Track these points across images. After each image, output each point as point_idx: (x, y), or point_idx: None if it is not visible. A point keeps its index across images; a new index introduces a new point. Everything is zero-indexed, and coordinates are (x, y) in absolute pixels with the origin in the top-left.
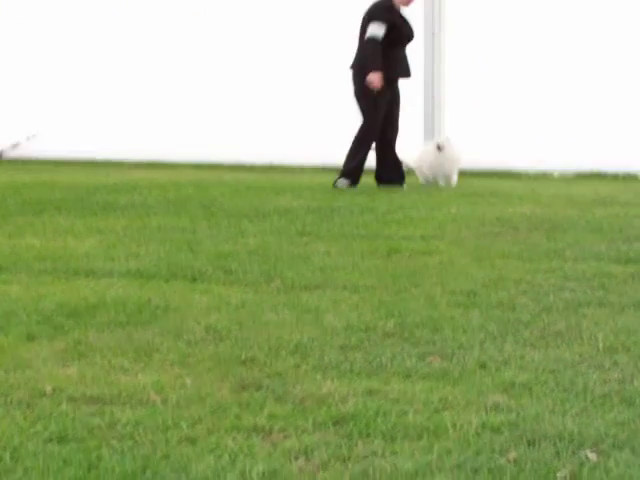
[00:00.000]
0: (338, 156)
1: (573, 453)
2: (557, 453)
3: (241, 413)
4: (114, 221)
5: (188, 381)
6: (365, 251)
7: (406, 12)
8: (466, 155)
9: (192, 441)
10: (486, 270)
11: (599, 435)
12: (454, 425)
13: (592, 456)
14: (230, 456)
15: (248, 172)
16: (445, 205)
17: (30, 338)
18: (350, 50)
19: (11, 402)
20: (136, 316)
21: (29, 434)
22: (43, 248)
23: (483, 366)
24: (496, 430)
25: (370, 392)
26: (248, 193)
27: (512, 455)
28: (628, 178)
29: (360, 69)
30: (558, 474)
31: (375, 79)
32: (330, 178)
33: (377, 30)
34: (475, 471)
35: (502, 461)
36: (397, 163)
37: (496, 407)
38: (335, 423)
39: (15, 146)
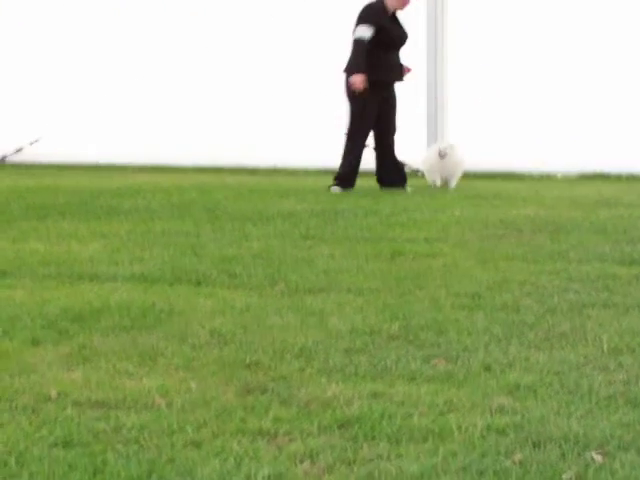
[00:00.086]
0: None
1: (578, 455)
2: (562, 455)
3: (246, 417)
4: (118, 225)
5: (193, 385)
6: (369, 254)
7: (409, 14)
8: (469, 157)
9: (197, 445)
10: (490, 272)
11: (604, 437)
12: (459, 427)
13: (598, 458)
14: (235, 460)
15: (251, 175)
16: (449, 207)
17: (35, 343)
18: None
19: (16, 407)
20: (140, 320)
21: (34, 439)
22: (47, 253)
23: (488, 368)
24: (501, 432)
25: (375, 395)
26: (252, 196)
27: (517, 457)
28: (631, 179)
29: (349, 72)
30: (564, 476)
31: (357, 81)
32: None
33: (363, 32)
34: (480, 473)
35: (507, 463)
36: (397, 165)
37: (501, 409)
38: (340, 426)
39: (18, 151)
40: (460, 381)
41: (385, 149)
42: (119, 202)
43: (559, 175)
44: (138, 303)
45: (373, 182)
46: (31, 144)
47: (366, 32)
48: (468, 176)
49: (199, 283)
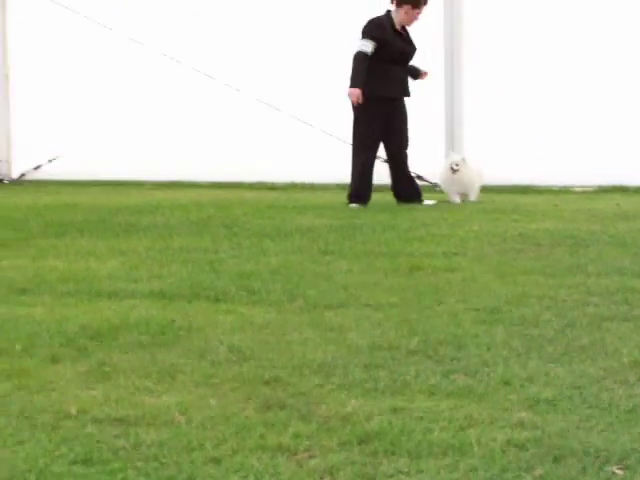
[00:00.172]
0: None
1: (599, 469)
2: (583, 469)
3: (266, 433)
4: (136, 242)
5: (212, 401)
6: (388, 269)
7: (425, 28)
8: (487, 171)
9: (217, 461)
10: (509, 286)
11: (625, 451)
12: (479, 442)
13: (619, 472)
14: (255, 476)
15: (269, 191)
16: (467, 222)
17: (54, 360)
18: None
19: (36, 424)
20: (159, 337)
21: (54, 456)
22: (66, 270)
23: (508, 383)
24: (521, 447)
25: (395, 410)
26: (270, 212)
27: (538, 472)
28: None
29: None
30: None
31: (353, 94)
32: None
33: (363, 46)
34: None
35: (528, 478)
36: (410, 180)
37: (521, 424)
38: (360, 442)
39: (37, 168)
40: (480, 396)
41: (398, 164)
42: (137, 219)
43: (577, 188)
44: (157, 320)
45: (390, 197)
46: (49, 161)
47: (366, 47)
48: (486, 190)
49: (218, 299)
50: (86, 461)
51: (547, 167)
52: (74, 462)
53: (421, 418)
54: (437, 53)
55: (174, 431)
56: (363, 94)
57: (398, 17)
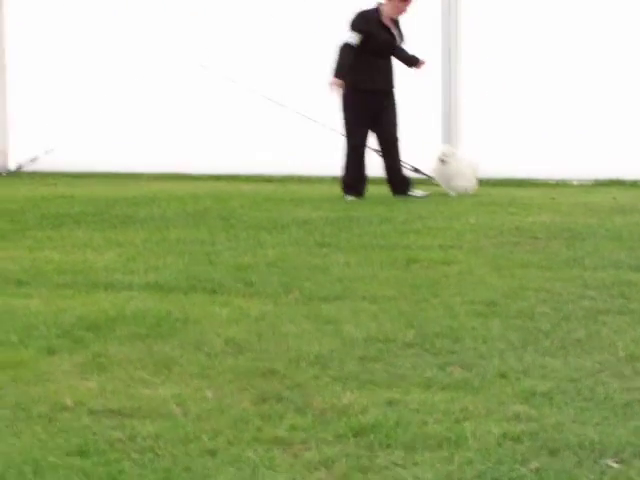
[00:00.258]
0: None
1: (595, 462)
2: (579, 462)
3: (262, 425)
4: (133, 234)
5: (208, 393)
6: (384, 261)
7: (422, 21)
8: (484, 164)
9: (213, 453)
10: (505, 279)
11: (621, 444)
12: (475, 435)
13: (614, 465)
14: (251, 468)
15: (266, 183)
16: (463, 215)
17: (50, 352)
18: None
19: (32, 416)
20: (156, 329)
21: (50, 447)
22: (62, 262)
23: (503, 376)
24: (517, 440)
25: (390, 403)
26: (266, 204)
27: (534, 465)
28: None
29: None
30: None
31: (332, 83)
32: None
33: (349, 38)
34: None
35: (523, 471)
36: (398, 172)
37: (517, 417)
38: (356, 434)
39: (34, 160)
40: (475, 388)
41: (391, 157)
42: (134, 211)
43: (574, 181)
44: (153, 312)
45: (386, 190)
46: (46, 153)
47: (352, 38)
48: (483, 183)
49: (214, 291)
50: (82, 452)
51: (544, 160)
52: (70, 453)
53: (417, 411)
54: (434, 45)
55: (170, 423)
56: (349, 86)
57: (386, 9)
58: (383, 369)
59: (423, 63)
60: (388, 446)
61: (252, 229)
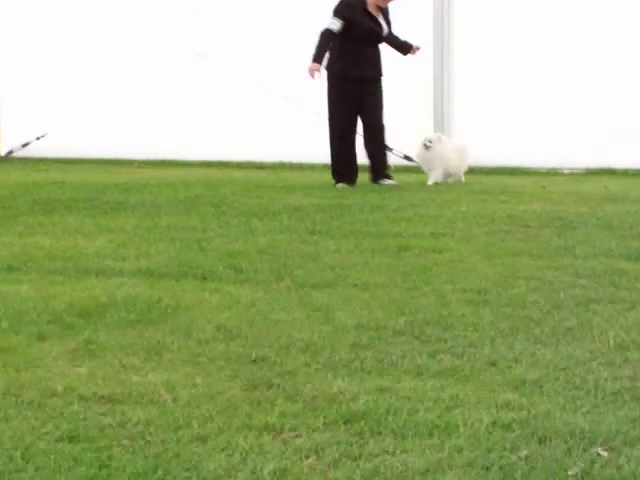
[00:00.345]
0: None
1: (584, 450)
2: (568, 450)
3: (252, 412)
4: (124, 220)
5: (199, 380)
6: (375, 249)
7: (415, 8)
8: (476, 152)
9: (203, 440)
10: (496, 268)
11: (610, 432)
12: (465, 423)
13: (603, 453)
14: (241, 455)
15: (258, 170)
16: (455, 203)
17: (41, 338)
18: None
19: (22, 401)
20: (146, 315)
21: (40, 433)
22: (53, 248)
23: (494, 364)
24: (507, 428)
25: (381, 390)
26: (258, 191)
27: (523, 453)
28: (638, 174)
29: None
30: (569, 471)
31: (310, 69)
32: None
33: (330, 24)
34: (486, 469)
35: (513, 459)
36: (381, 160)
37: (507, 405)
38: (346, 421)
39: (25, 145)
40: (466, 376)
41: (375, 144)
42: (125, 197)
43: (566, 170)
44: (144, 298)
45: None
46: (38, 139)
47: (333, 24)
48: (474, 171)
49: (205, 278)
50: (72, 438)
51: (535, 149)
52: (60, 439)
53: (407, 398)
54: (426, 33)
55: (160, 409)
56: (335, 73)
57: None
58: (374, 357)
59: (418, 49)
60: (378, 433)
61: (243, 216)
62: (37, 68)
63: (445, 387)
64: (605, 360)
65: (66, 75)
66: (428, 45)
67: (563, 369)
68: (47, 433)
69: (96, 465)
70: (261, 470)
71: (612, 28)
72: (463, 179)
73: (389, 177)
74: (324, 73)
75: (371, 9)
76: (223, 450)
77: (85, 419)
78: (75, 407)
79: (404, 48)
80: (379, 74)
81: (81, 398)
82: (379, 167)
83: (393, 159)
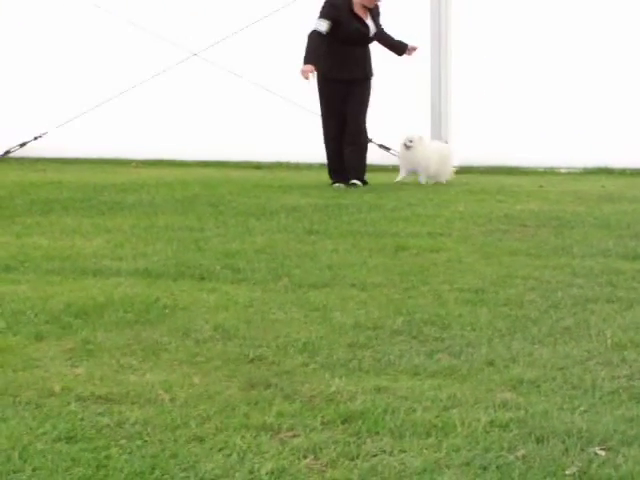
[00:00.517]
0: None
1: (582, 450)
2: (566, 450)
3: (250, 411)
4: (122, 220)
5: (196, 380)
6: (373, 249)
7: (412, 8)
8: (473, 151)
9: (201, 440)
10: (494, 267)
11: (608, 432)
12: (462, 422)
13: (601, 453)
14: (239, 454)
15: (255, 170)
16: (452, 202)
17: (38, 338)
18: None
19: (20, 402)
20: (144, 315)
21: (38, 433)
22: (51, 248)
23: (491, 363)
24: (504, 427)
25: (378, 390)
26: (255, 191)
27: (521, 452)
28: (635, 174)
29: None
30: (567, 471)
31: (303, 71)
32: None
33: (317, 25)
34: (484, 468)
35: (511, 458)
36: (358, 161)
37: (504, 404)
38: (343, 421)
39: (22, 145)
40: (463, 376)
41: (353, 146)
42: (123, 197)
43: (563, 169)
44: (142, 298)
45: (376, 177)
46: (35, 139)
47: (321, 26)
48: (472, 171)
49: (203, 278)
50: (69, 439)
51: (533, 148)
52: (57, 439)
53: (405, 398)
54: (424, 33)
55: (158, 409)
56: (322, 75)
57: None
58: (371, 356)
59: (414, 49)
60: (376, 433)
61: (241, 216)
62: (35, 67)
63: (443, 387)
64: (602, 359)
65: (63, 74)
66: (426, 45)
67: (560, 369)
68: (45, 433)
69: (94, 465)
70: (259, 470)
71: (609, 27)
72: (443, 180)
73: (362, 180)
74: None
75: (357, 10)
76: (221, 450)
77: (83, 419)
78: (73, 407)
79: (398, 48)
80: (367, 75)
81: (79, 398)
82: (352, 169)
83: (393, 159)
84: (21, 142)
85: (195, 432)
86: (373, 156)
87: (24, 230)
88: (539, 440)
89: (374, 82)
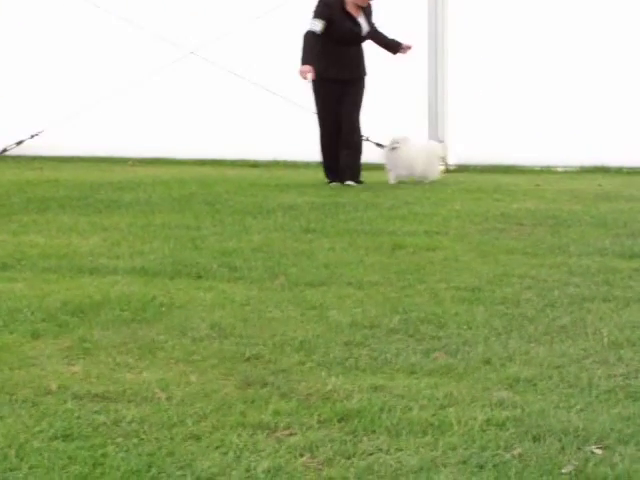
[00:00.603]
0: None
1: (578, 448)
2: (562, 448)
3: (246, 410)
4: (118, 219)
5: (193, 378)
6: (369, 247)
7: (409, 7)
8: (470, 150)
9: (197, 438)
10: (490, 266)
11: (604, 430)
12: (459, 421)
13: (597, 451)
14: (235, 453)
15: (252, 168)
16: (449, 201)
17: (35, 336)
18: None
19: (16, 400)
20: (141, 313)
21: (34, 432)
22: (47, 246)
23: (488, 362)
24: (501, 426)
25: (375, 388)
26: (252, 190)
27: (517, 451)
28: (632, 172)
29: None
30: (563, 469)
31: (301, 72)
32: None
33: (312, 25)
34: (480, 467)
35: (507, 457)
36: (351, 161)
37: (501, 403)
38: (340, 419)
39: (19, 143)
40: (460, 374)
41: (347, 147)
42: (119, 195)
43: (560, 168)
44: (138, 296)
45: (373, 175)
46: (32, 137)
47: (315, 26)
48: (469, 169)
49: (199, 276)
50: (66, 437)
51: (529, 147)
52: (54, 438)
53: (401, 396)
54: (421, 33)
55: (154, 407)
56: (316, 74)
57: None
58: (368, 355)
59: (409, 48)
60: (372, 431)
61: (237, 214)
62: (32, 65)
63: (439, 385)
64: (599, 358)
65: (61, 73)
66: (423, 44)
67: (557, 367)
68: (41, 431)
69: (90, 463)
70: (255, 468)
71: (605, 26)
72: (431, 179)
73: (357, 181)
74: None
75: (350, 8)
76: (217, 448)
77: (79, 417)
78: (69, 405)
79: (393, 47)
80: (361, 74)
81: (75, 396)
82: (347, 168)
83: None
84: (18, 140)
85: (191, 430)
86: (370, 155)
87: (21, 228)
88: (535, 439)
89: (372, 82)
